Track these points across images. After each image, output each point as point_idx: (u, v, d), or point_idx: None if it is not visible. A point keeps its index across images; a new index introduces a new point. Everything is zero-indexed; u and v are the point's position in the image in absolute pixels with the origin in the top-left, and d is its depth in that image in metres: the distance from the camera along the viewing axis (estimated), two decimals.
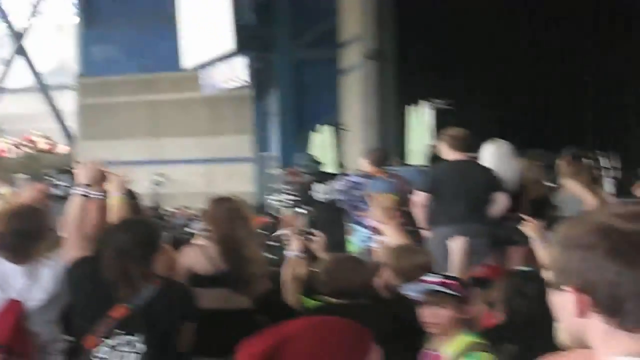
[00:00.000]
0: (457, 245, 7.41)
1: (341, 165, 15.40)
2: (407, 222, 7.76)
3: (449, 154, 7.94)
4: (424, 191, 7.85)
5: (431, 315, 4.42)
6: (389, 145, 16.08)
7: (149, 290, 4.24)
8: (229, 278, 5.36)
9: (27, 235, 4.51)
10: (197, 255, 5.48)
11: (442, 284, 4.48)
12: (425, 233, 7.83)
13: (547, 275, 1.90)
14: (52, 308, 4.56)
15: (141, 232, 4.38)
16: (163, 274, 4.63)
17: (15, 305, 4.40)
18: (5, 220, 4.54)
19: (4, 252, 4.49)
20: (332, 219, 10.08)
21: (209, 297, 5.22)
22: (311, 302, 5.22)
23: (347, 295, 4.94)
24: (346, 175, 10.40)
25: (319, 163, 12.23)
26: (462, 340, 4.37)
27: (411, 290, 4.88)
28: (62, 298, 4.54)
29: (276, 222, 14.79)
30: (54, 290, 4.53)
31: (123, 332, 4.10)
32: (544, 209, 8.37)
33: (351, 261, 5.37)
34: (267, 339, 3.18)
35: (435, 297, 4.43)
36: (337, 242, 8.74)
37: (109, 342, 4.09)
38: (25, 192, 5.15)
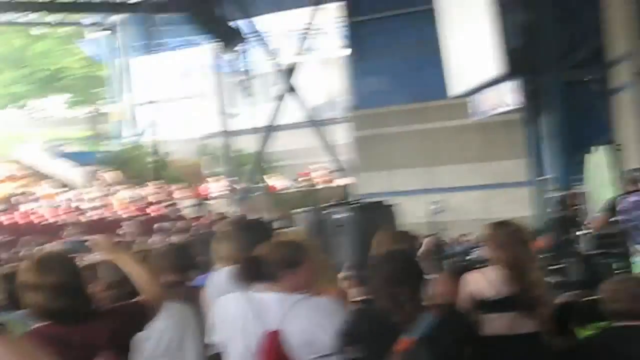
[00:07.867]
0: None
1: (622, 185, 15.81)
2: None
3: None
4: None
5: None
6: None
7: (429, 319, 4.39)
8: (515, 302, 5.61)
9: (285, 263, 4.57)
10: (481, 281, 5.73)
11: None
12: None
13: None
14: (319, 340, 4.48)
15: (405, 260, 4.66)
16: (443, 302, 5.18)
17: (273, 336, 4.45)
18: (270, 250, 4.65)
19: (265, 281, 4.58)
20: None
21: (497, 322, 5.61)
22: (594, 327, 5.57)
23: (631, 317, 5.08)
24: (626, 195, 10.45)
25: None
26: None
27: None
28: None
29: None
30: (319, 323, 4.50)
31: None
32: None
33: (636, 283, 5.40)
34: None
35: None
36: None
37: None
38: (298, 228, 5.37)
